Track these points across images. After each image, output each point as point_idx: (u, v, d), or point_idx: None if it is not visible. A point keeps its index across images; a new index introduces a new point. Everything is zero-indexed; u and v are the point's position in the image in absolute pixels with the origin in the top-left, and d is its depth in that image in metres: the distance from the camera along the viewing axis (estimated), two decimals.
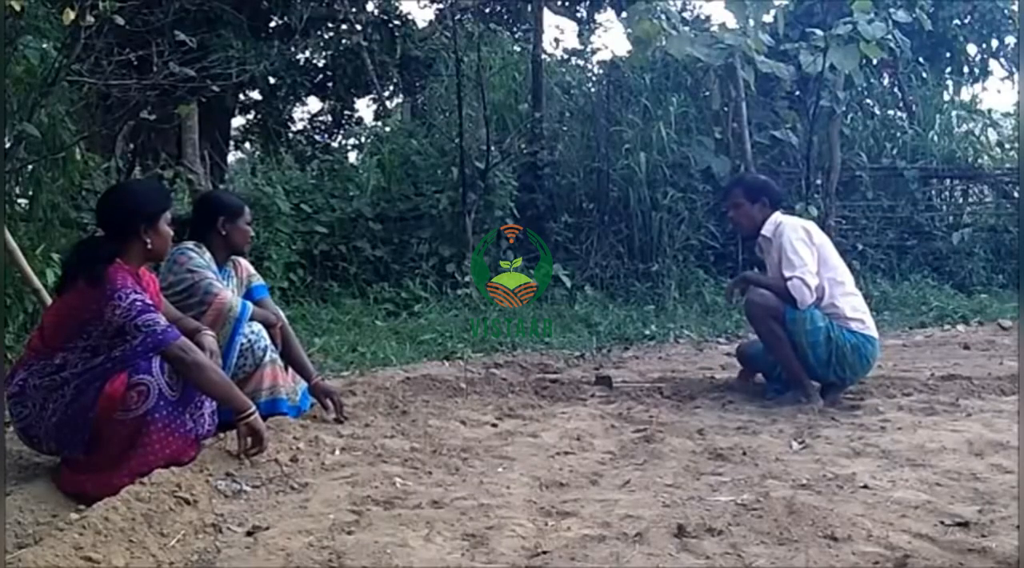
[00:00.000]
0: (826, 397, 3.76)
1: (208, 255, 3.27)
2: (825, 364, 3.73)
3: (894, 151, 8.91)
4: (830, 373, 3.76)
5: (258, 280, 3.52)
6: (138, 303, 2.52)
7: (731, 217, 4.13)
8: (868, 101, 9.39)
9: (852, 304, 3.81)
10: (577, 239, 7.67)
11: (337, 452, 2.90)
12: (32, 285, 3.80)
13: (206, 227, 3.31)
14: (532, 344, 5.56)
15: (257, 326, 3.26)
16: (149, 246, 2.68)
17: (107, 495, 2.22)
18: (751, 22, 7.84)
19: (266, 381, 3.25)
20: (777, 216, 3.90)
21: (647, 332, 6.10)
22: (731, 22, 8.24)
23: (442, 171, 7.59)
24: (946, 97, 9.74)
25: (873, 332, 3.83)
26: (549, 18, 11.76)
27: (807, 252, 3.73)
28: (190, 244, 3.28)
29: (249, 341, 3.21)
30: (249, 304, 3.27)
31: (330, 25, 11.94)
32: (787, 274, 3.71)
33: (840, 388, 3.83)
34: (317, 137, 13.68)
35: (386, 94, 12.25)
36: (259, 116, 12.70)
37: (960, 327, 6.58)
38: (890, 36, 7.69)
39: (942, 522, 2.18)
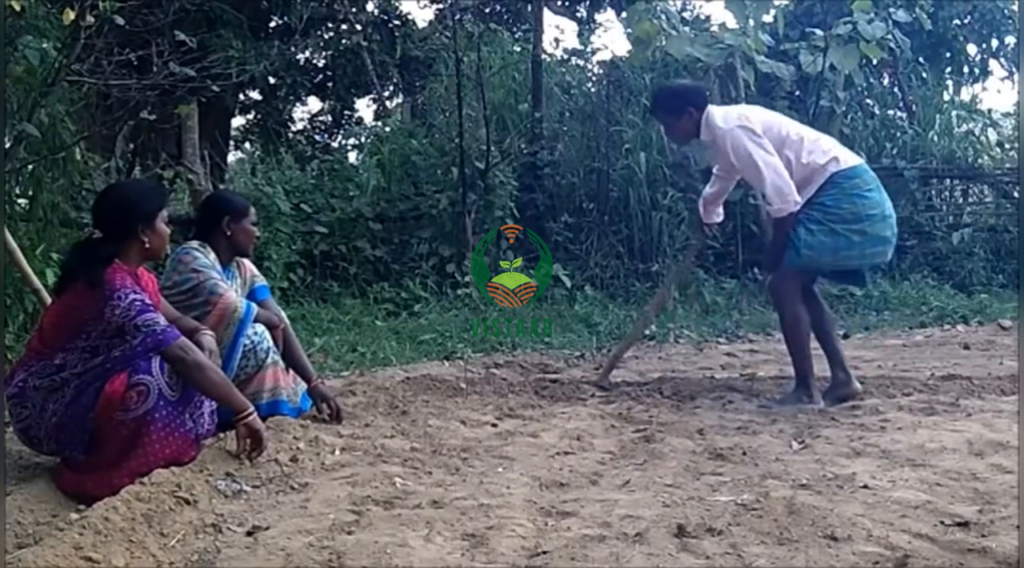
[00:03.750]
0: (827, 396, 3.75)
1: (212, 255, 3.26)
2: (851, 247, 3.62)
3: (894, 151, 8.91)
4: (857, 249, 3.65)
5: (261, 281, 3.52)
6: (137, 303, 2.52)
7: (666, 136, 4.08)
8: (868, 101, 9.39)
9: (822, 149, 3.69)
10: (577, 239, 7.67)
11: (337, 452, 2.90)
12: (32, 285, 3.80)
13: (211, 227, 3.31)
14: (532, 344, 5.56)
15: (260, 327, 3.26)
16: (147, 245, 2.67)
17: (107, 495, 2.21)
18: (751, 22, 7.82)
19: (268, 382, 3.25)
20: (709, 113, 3.75)
21: (647, 332, 6.10)
22: (731, 22, 8.23)
23: (442, 171, 7.59)
24: (946, 97, 9.73)
25: (851, 161, 3.69)
26: (549, 18, 11.77)
27: (759, 151, 3.60)
28: (194, 244, 3.27)
29: (252, 342, 3.20)
30: (254, 305, 3.26)
31: (330, 25, 11.93)
32: (763, 188, 3.60)
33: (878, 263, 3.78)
34: (317, 137, 13.67)
35: (386, 94, 12.25)
36: (259, 116, 12.69)
37: (960, 327, 6.57)
38: (890, 36, 7.68)
39: (942, 522, 2.17)
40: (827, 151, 3.69)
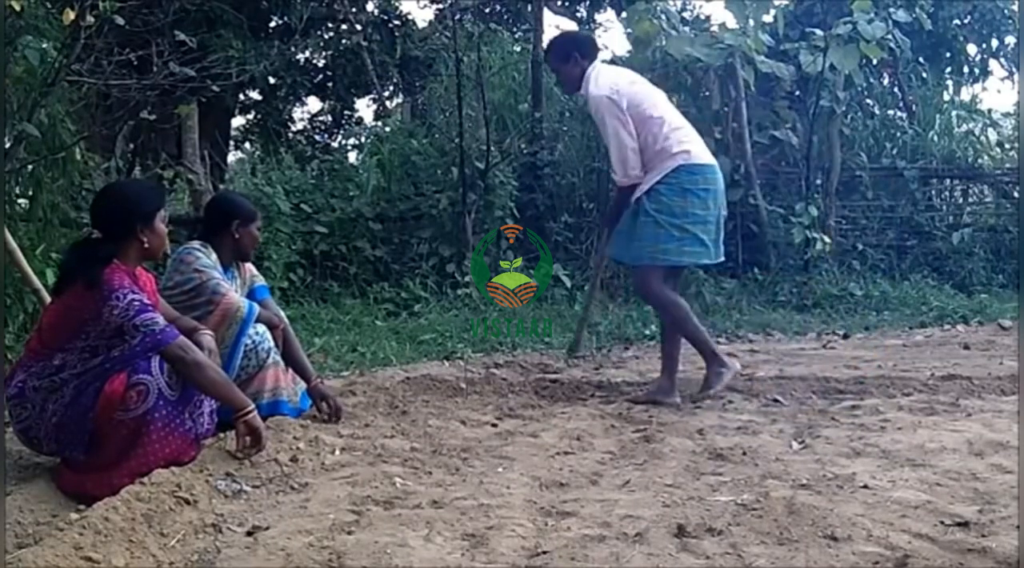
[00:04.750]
0: (647, 393, 3.85)
1: (214, 255, 3.26)
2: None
3: (894, 151, 8.91)
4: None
5: (260, 281, 3.52)
6: (136, 303, 2.52)
7: (558, 85, 4.21)
8: (868, 101, 9.40)
9: (678, 138, 3.77)
10: (577, 239, 7.68)
11: (337, 452, 2.90)
12: (32, 285, 3.80)
13: (219, 229, 3.30)
14: (532, 344, 5.55)
15: (261, 327, 3.25)
16: (146, 245, 2.67)
17: (107, 495, 2.21)
18: (751, 22, 7.83)
19: (268, 382, 3.25)
20: (593, 70, 3.86)
21: (647, 332, 6.09)
22: (731, 22, 8.25)
23: (442, 171, 7.59)
24: (946, 97, 9.74)
25: (702, 159, 3.79)
26: (549, 18, 11.75)
27: (615, 122, 3.71)
28: (196, 244, 3.27)
29: (253, 342, 3.20)
30: (256, 306, 3.26)
31: (330, 25, 11.93)
32: (612, 156, 3.77)
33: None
34: (317, 137, 13.67)
35: (386, 94, 12.25)
36: (259, 116, 12.69)
37: (960, 327, 6.57)
38: (890, 36, 7.69)
39: (942, 522, 2.17)
40: (682, 142, 3.77)
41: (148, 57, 5.44)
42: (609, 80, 3.83)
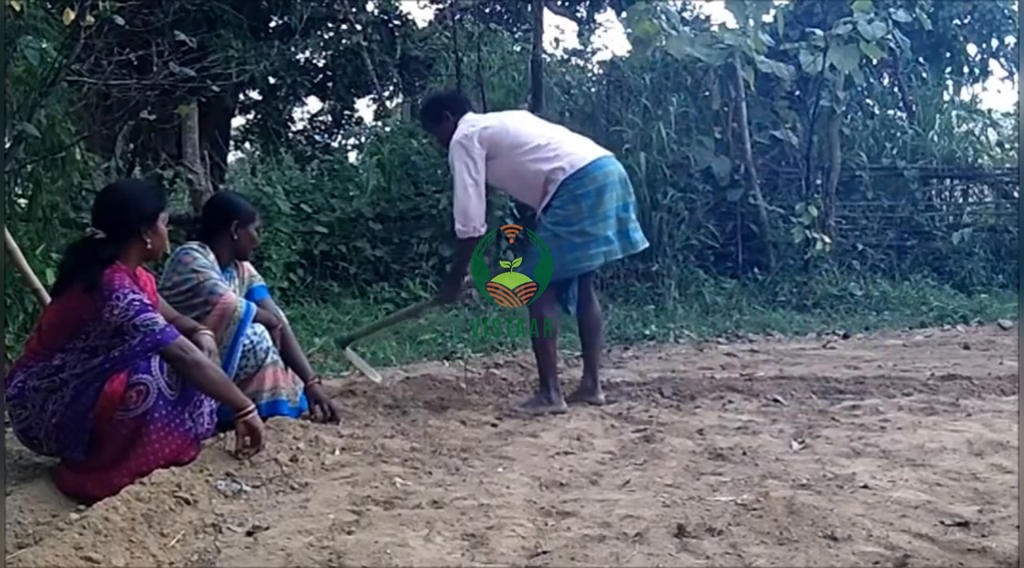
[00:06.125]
0: (570, 400, 3.76)
1: (212, 256, 3.26)
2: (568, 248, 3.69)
3: (894, 151, 8.92)
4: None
5: (259, 280, 3.51)
6: (136, 303, 2.52)
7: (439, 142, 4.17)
8: (868, 101, 9.41)
9: (549, 157, 3.70)
10: None
11: (337, 452, 2.90)
12: (32, 285, 3.79)
13: (217, 229, 3.30)
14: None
15: (260, 327, 3.26)
16: (149, 246, 2.67)
17: (107, 495, 2.21)
18: (751, 22, 7.85)
19: (267, 382, 3.25)
20: (461, 121, 3.82)
21: (647, 332, 6.09)
22: (731, 22, 8.25)
23: (442, 171, 7.58)
24: (946, 97, 9.75)
25: (584, 159, 3.68)
26: (549, 18, 11.76)
27: (463, 171, 3.69)
28: (194, 244, 3.27)
29: (252, 342, 3.20)
30: (253, 305, 3.26)
31: (330, 25, 11.92)
32: (455, 204, 3.77)
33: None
34: (317, 137, 13.65)
35: (386, 94, 12.24)
36: (259, 116, 12.67)
37: (960, 327, 6.58)
38: (890, 36, 7.70)
39: (942, 522, 2.17)
40: (552, 160, 3.70)
41: (148, 57, 5.44)
42: (466, 126, 3.78)
